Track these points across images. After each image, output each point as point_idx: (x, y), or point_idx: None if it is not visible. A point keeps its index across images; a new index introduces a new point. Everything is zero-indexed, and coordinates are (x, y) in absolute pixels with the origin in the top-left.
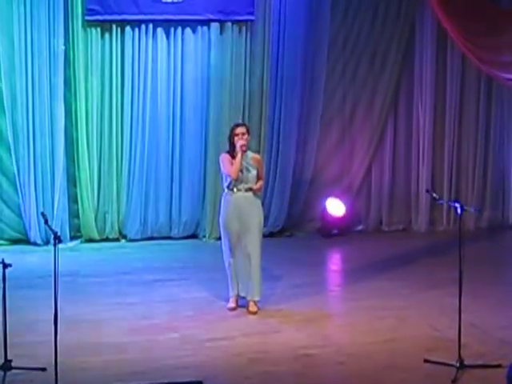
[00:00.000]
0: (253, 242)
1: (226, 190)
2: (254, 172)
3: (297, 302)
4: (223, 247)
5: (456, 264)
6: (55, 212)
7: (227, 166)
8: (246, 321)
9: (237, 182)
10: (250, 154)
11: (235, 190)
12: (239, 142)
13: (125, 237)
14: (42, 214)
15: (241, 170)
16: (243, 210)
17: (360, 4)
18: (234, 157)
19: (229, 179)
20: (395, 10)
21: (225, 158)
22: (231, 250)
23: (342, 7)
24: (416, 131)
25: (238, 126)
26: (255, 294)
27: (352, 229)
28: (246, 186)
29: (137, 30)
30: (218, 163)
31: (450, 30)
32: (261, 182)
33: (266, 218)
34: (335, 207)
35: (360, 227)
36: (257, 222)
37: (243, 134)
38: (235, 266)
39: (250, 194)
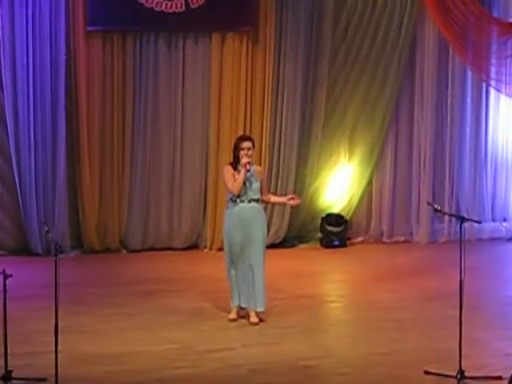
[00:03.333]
0: (256, 253)
1: (229, 202)
2: (256, 183)
3: (298, 313)
4: (225, 258)
5: (457, 276)
6: (56, 222)
7: (230, 182)
8: (246, 332)
9: (240, 193)
10: (253, 165)
11: (238, 201)
12: (244, 160)
13: (126, 247)
14: (43, 223)
15: (244, 182)
16: (246, 221)
17: (361, 19)
18: (236, 169)
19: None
20: (396, 25)
21: (227, 171)
22: (233, 260)
23: (343, 21)
24: (417, 143)
25: (244, 139)
26: (258, 305)
27: (353, 240)
28: (249, 198)
29: (138, 40)
30: (219, 174)
31: (451, 43)
32: (269, 195)
33: (267, 229)
34: (336, 219)
35: (361, 239)
36: (260, 233)
37: (249, 149)
38: (237, 276)
39: (254, 204)
